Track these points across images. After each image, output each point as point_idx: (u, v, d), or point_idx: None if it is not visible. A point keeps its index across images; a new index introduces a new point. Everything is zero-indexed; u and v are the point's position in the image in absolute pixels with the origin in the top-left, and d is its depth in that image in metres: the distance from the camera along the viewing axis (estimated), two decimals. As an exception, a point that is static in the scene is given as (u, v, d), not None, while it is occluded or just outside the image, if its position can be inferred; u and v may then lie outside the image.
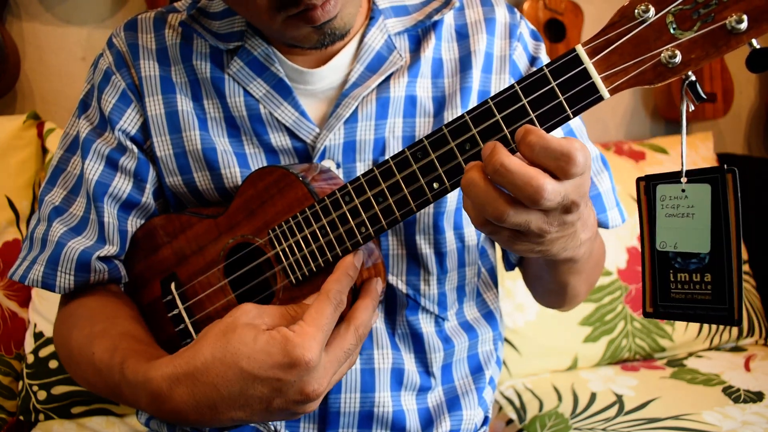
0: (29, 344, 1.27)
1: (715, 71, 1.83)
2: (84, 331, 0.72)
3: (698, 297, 0.51)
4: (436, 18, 0.78)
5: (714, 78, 1.83)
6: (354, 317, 0.61)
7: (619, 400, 1.22)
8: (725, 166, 0.49)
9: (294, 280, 0.66)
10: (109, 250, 0.76)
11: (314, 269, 0.64)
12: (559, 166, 0.49)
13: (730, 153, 1.98)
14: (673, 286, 0.52)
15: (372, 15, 0.77)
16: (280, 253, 0.66)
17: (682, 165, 0.50)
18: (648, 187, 0.52)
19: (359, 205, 0.59)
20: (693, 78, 0.48)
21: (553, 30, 1.70)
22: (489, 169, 0.49)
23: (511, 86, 0.51)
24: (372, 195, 0.59)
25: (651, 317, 0.53)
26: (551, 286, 0.81)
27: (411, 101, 0.76)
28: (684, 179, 0.50)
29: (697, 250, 0.50)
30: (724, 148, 2.03)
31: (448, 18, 0.80)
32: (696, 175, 0.50)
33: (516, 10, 0.84)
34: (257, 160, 0.75)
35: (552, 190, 0.48)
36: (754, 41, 0.46)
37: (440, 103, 0.77)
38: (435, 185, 0.56)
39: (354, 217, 0.60)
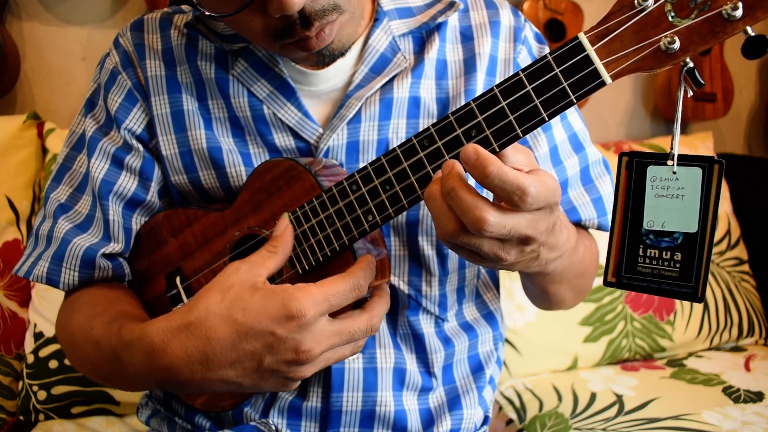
0: (29, 344, 1.27)
1: (715, 71, 1.83)
2: (84, 314, 0.73)
3: (665, 273, 0.53)
4: (440, 20, 0.78)
5: (714, 78, 1.83)
6: (372, 306, 0.63)
7: (619, 400, 1.22)
8: (715, 156, 0.50)
9: (300, 271, 0.66)
10: (114, 247, 0.77)
11: (320, 259, 0.65)
12: (510, 199, 0.50)
13: (730, 153, 1.98)
14: (640, 260, 0.53)
15: (376, 17, 0.78)
16: None
17: (673, 147, 0.51)
18: (631, 163, 0.53)
19: (366, 193, 0.60)
20: (691, 64, 0.49)
21: (553, 30, 1.71)
22: (443, 189, 0.52)
23: (516, 74, 0.53)
24: (379, 183, 0.59)
25: (612, 287, 0.55)
26: (533, 291, 0.84)
27: (414, 102, 0.76)
28: (670, 162, 0.52)
29: (683, 230, 0.52)
30: (724, 148, 2.04)
31: (453, 20, 0.81)
32: (685, 161, 0.52)
33: (520, 13, 0.85)
34: (262, 160, 0.76)
35: (495, 222, 0.50)
36: (748, 28, 0.48)
37: (444, 105, 0.78)
38: None
39: (361, 206, 0.61)
